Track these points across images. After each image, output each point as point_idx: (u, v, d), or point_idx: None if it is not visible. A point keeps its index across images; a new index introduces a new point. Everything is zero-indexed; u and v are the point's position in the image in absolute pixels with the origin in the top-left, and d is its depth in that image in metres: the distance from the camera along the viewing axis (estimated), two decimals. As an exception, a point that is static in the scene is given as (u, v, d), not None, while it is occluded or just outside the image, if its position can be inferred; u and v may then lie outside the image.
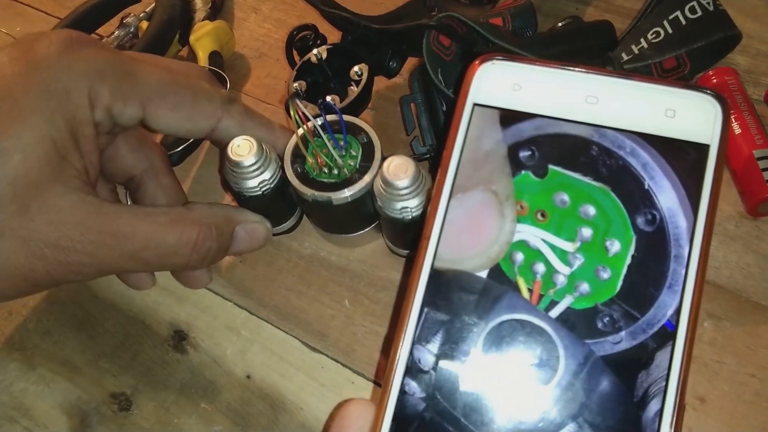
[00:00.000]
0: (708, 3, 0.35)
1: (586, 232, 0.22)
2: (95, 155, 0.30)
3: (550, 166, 0.23)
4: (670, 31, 0.35)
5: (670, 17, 0.35)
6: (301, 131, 0.33)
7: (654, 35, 0.36)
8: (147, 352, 0.37)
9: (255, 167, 0.33)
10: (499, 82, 0.23)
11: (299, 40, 0.41)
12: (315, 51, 0.39)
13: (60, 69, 0.28)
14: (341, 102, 0.38)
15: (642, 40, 0.36)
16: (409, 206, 0.31)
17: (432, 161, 0.38)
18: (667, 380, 0.20)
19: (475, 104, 0.23)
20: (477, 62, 0.24)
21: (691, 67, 0.36)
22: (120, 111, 0.30)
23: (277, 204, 0.36)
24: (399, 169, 0.30)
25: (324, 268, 0.38)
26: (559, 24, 0.40)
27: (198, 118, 0.33)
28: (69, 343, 0.38)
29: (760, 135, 0.35)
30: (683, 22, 0.35)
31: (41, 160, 0.27)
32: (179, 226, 0.31)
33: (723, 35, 0.35)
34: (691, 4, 0.35)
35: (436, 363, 0.21)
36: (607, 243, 0.21)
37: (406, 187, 0.30)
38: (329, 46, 0.40)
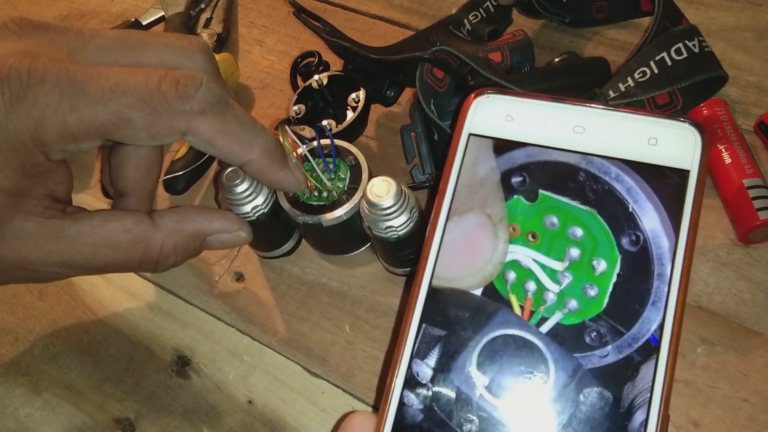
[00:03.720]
0: (694, 45, 0.38)
1: (575, 252, 0.24)
2: (60, 174, 0.31)
3: (541, 191, 0.25)
4: (656, 71, 0.38)
5: (657, 58, 0.38)
6: (291, 158, 0.36)
7: (641, 74, 0.38)
8: (150, 377, 0.39)
9: (247, 193, 0.35)
10: (492, 114, 0.26)
11: (303, 66, 0.44)
12: (316, 77, 0.42)
13: (3, 117, 0.28)
14: (337, 126, 0.41)
15: (629, 78, 0.39)
16: (393, 225, 0.33)
17: (431, 189, 0.41)
18: (651, 392, 0.22)
19: (471, 134, 0.26)
20: (472, 95, 0.26)
21: (683, 102, 0.39)
22: (71, 137, 0.29)
23: (273, 227, 0.39)
24: (381, 190, 0.32)
25: (325, 294, 0.40)
26: (556, 59, 0.42)
27: (157, 135, 0.30)
28: (74, 368, 0.40)
29: (749, 164, 0.38)
30: (669, 63, 0.37)
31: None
32: (141, 246, 0.32)
33: (707, 76, 0.37)
34: (677, 45, 0.37)
35: (434, 376, 0.23)
36: (594, 262, 0.24)
37: (389, 207, 0.32)
38: (331, 74, 0.43)
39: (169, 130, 0.29)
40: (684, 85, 0.35)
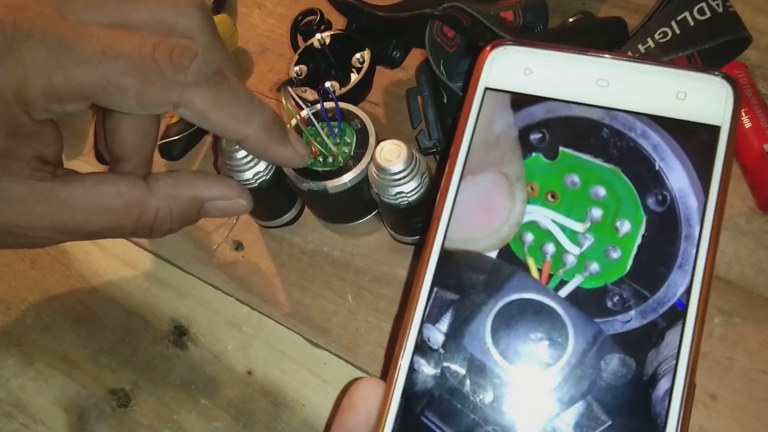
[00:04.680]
0: (717, 4, 0.36)
1: (597, 212, 0.23)
2: (48, 134, 0.30)
3: (561, 149, 0.24)
4: (677, 31, 0.36)
5: (679, 18, 0.36)
6: (294, 121, 0.34)
7: (661, 35, 0.37)
8: (147, 348, 0.38)
9: (248, 158, 0.34)
10: (510, 67, 0.25)
11: (304, 25, 0.43)
12: (318, 36, 0.41)
13: None
14: (341, 88, 0.39)
15: (649, 39, 0.37)
16: (404, 191, 0.32)
17: (439, 155, 0.39)
18: (677, 359, 0.21)
19: (487, 88, 0.25)
20: (489, 47, 0.25)
21: (702, 65, 0.37)
22: (56, 98, 0.28)
23: (275, 196, 0.37)
24: (391, 154, 0.31)
25: (327, 264, 0.39)
26: (570, 20, 0.41)
27: (147, 104, 0.28)
28: (68, 338, 0.39)
29: (771, 130, 0.36)
30: (691, 23, 0.36)
31: None
32: (135, 210, 0.31)
33: (731, 38, 0.36)
34: (701, 5, 0.36)
35: (446, 341, 0.22)
36: (618, 223, 0.22)
37: (400, 172, 0.31)
38: (333, 33, 0.41)
39: (161, 101, 0.28)
40: (706, 47, 0.34)
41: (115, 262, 0.42)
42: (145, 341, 0.38)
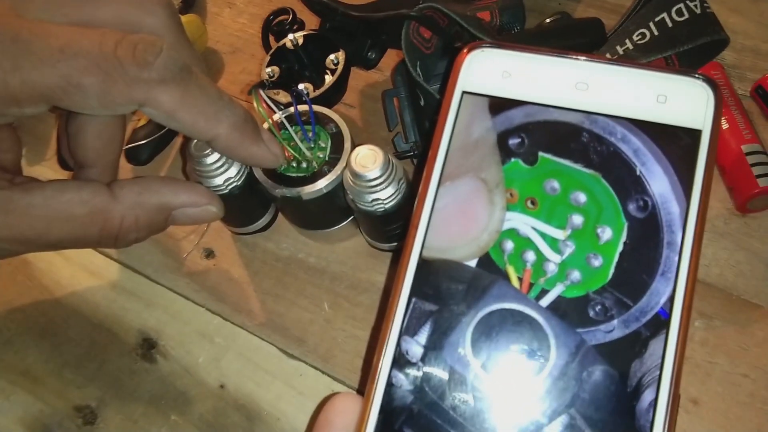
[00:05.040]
0: (695, 5, 0.37)
1: (577, 219, 0.22)
2: (5, 140, 0.29)
3: (541, 154, 0.23)
4: (656, 33, 0.36)
5: (657, 19, 0.36)
6: (266, 125, 0.33)
7: (640, 36, 0.37)
8: (114, 362, 0.37)
9: (219, 164, 0.33)
10: (488, 70, 0.24)
11: (276, 25, 0.42)
12: (291, 36, 0.40)
13: None
14: (315, 90, 0.39)
15: (627, 40, 0.37)
16: (380, 198, 0.31)
17: (416, 159, 0.39)
18: (661, 370, 0.20)
19: (464, 92, 0.24)
20: (465, 50, 0.24)
21: (680, 67, 0.37)
22: (13, 100, 0.27)
23: (247, 202, 0.36)
24: (367, 160, 0.30)
25: (302, 271, 0.38)
26: (547, 20, 0.41)
27: (110, 104, 0.27)
28: (30, 352, 0.37)
29: (748, 130, 0.37)
30: (669, 25, 0.36)
31: None
32: (99, 219, 0.30)
33: (710, 39, 0.36)
34: (678, 6, 0.36)
35: (424, 354, 0.21)
36: (599, 230, 0.22)
37: (376, 178, 0.30)
38: (306, 33, 0.40)
39: (125, 100, 0.27)
40: (685, 49, 0.34)
41: (79, 272, 0.40)
42: (111, 355, 0.37)
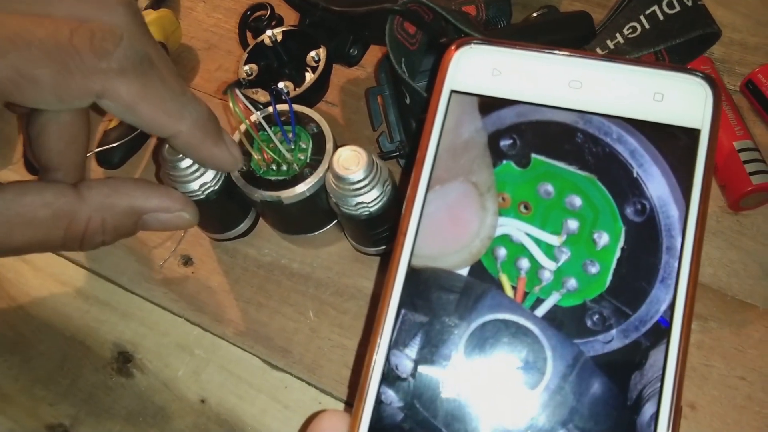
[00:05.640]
0: (686, -2, 0.36)
1: (573, 224, 0.22)
2: None
3: (533, 155, 0.22)
4: (647, 26, 0.36)
5: (647, 12, 0.36)
6: (243, 126, 0.32)
7: (630, 30, 0.36)
8: (88, 377, 0.36)
9: (194, 168, 0.32)
10: (477, 68, 0.23)
11: (253, 21, 0.41)
12: (269, 32, 0.39)
13: None
14: (295, 89, 0.38)
15: (618, 35, 0.37)
16: (365, 201, 0.30)
17: (402, 159, 0.38)
18: (662, 381, 0.20)
19: (453, 91, 0.23)
20: (453, 47, 0.24)
21: (669, 61, 0.37)
22: None
23: (226, 207, 0.35)
24: (350, 161, 0.30)
25: (285, 277, 0.37)
26: (534, 14, 0.40)
27: (67, 97, 0.26)
28: (-3, 368, 0.36)
29: (740, 126, 0.36)
30: (661, 18, 0.36)
31: None
32: (64, 221, 0.29)
33: (702, 33, 0.35)
34: (669, -2, 0.36)
35: (415, 369, 0.21)
36: (595, 235, 0.21)
37: (360, 181, 0.30)
38: (286, 29, 0.39)
39: (82, 92, 0.26)
40: (677, 42, 0.34)
41: (49, 281, 0.39)
42: (85, 370, 0.36)
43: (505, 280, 0.22)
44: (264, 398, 0.34)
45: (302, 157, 0.33)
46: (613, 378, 0.20)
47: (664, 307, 0.20)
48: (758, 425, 0.31)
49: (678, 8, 0.35)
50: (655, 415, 0.19)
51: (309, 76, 0.38)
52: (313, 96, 0.39)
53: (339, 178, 0.30)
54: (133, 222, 0.31)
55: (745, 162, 0.35)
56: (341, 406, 0.34)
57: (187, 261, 0.39)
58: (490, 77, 0.23)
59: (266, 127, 0.32)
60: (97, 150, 0.40)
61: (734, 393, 0.32)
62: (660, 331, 0.20)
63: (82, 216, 0.29)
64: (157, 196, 0.31)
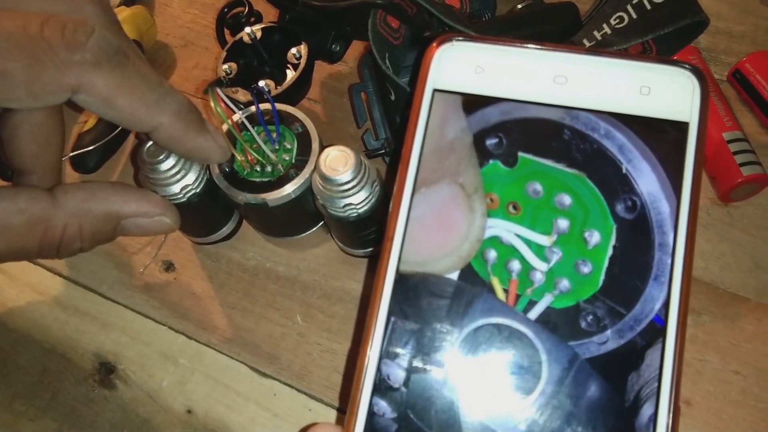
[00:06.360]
0: (674, -15, 0.36)
1: (563, 223, 0.22)
2: None
3: (520, 154, 0.22)
4: (634, 16, 0.36)
5: (634, 1, 0.36)
6: (225, 126, 0.32)
7: (617, 20, 0.36)
8: (69, 390, 0.35)
9: (175, 170, 0.31)
10: (460, 65, 0.23)
11: (231, 17, 0.40)
12: (248, 29, 0.38)
13: None
14: (277, 87, 0.37)
15: (605, 25, 0.37)
16: (353, 203, 0.30)
17: (388, 157, 0.38)
18: (659, 381, 0.20)
19: (435, 90, 0.23)
20: (434, 44, 0.23)
21: (657, 52, 0.37)
22: None
23: (208, 210, 0.35)
24: (337, 162, 0.29)
25: (271, 281, 0.37)
26: (519, 6, 0.40)
27: (40, 93, 0.25)
28: (-26, 384, 0.36)
29: (728, 116, 0.36)
30: (648, 7, 0.36)
31: None
32: (40, 228, 0.28)
33: (690, 21, 0.35)
34: (656, -13, 0.36)
35: (407, 378, 0.20)
36: (586, 234, 0.21)
37: (348, 182, 0.29)
38: (265, 25, 0.39)
39: (56, 86, 0.25)
40: (666, 32, 0.34)
41: (26, 291, 0.38)
42: (66, 383, 0.35)
43: (496, 283, 0.21)
44: (252, 407, 0.34)
45: (287, 158, 0.32)
46: (609, 380, 0.20)
47: (658, 305, 0.20)
48: (753, 420, 0.31)
49: (664, -3, 0.35)
50: (654, 416, 0.19)
51: (290, 74, 0.38)
52: (295, 94, 0.38)
53: (326, 180, 0.29)
54: (111, 227, 0.30)
55: (735, 153, 0.35)
56: (332, 412, 0.33)
57: (169, 266, 0.38)
58: (473, 75, 0.23)
59: (249, 127, 0.32)
60: (71, 154, 0.40)
61: (729, 388, 0.32)
62: (655, 330, 0.20)
63: (58, 222, 0.28)
64: (136, 200, 0.30)
